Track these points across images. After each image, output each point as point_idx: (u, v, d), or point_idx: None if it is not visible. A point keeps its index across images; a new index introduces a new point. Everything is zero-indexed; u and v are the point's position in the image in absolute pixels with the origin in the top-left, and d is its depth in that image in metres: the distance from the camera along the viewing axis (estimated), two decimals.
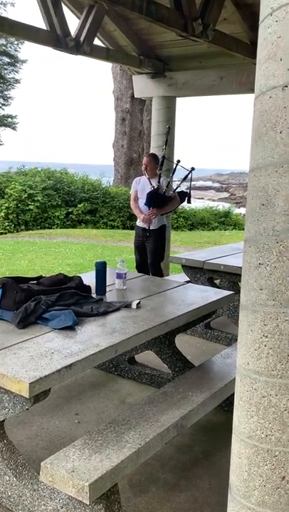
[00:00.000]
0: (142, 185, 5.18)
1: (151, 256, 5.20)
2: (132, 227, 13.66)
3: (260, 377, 1.20)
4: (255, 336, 1.20)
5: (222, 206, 17.66)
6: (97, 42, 5.32)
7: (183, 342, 4.20)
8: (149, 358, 3.66)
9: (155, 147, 6.04)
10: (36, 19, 4.80)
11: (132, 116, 15.85)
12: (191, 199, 5.36)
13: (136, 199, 5.23)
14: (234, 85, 5.65)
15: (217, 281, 4.94)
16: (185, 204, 5.52)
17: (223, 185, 48.63)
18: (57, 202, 13.78)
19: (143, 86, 6.20)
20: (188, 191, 5.31)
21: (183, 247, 10.36)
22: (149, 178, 5.09)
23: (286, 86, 1.12)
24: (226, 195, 40.24)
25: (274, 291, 1.17)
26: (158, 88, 6.08)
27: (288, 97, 1.12)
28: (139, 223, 5.24)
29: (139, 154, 16.26)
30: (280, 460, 1.20)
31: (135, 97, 6.64)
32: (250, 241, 1.23)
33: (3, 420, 2.17)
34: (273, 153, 1.15)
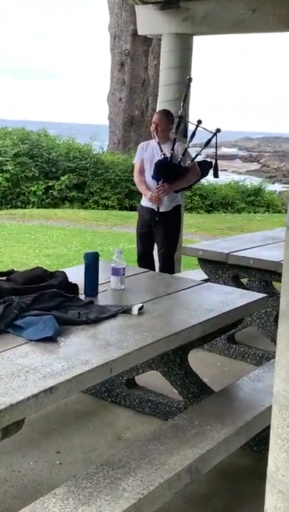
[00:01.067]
0: (149, 153, 5.15)
1: (162, 246, 5.21)
2: (131, 208, 13.66)
3: None
4: None
5: (251, 181, 17.62)
6: None
7: (199, 360, 4.18)
8: (154, 380, 3.65)
9: (164, 101, 5.99)
10: None
11: (134, 60, 15.80)
12: (219, 171, 5.33)
13: (141, 171, 5.21)
14: (270, 21, 5.60)
15: (244, 281, 4.93)
16: (208, 178, 5.50)
17: (253, 154, 48.59)
18: (33, 173, 13.80)
19: (149, 20, 6.16)
20: (212, 161, 5.30)
21: (199, 234, 10.35)
22: (159, 143, 5.06)
23: None
24: (256, 166, 40.26)
25: None
26: (169, 23, 6.02)
27: None
28: (145, 203, 5.21)
29: (142, 111, 16.24)
30: None
31: (138, 34, 6.59)
32: None
33: None
34: None
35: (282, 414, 1.25)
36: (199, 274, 4.93)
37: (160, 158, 5.02)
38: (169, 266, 5.25)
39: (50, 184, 13.91)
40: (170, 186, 5.03)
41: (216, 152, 5.29)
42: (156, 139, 5.09)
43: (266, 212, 14.76)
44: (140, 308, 2.91)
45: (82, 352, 2.40)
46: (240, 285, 4.72)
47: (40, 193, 13.70)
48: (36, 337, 2.47)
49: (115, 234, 10.12)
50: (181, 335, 2.78)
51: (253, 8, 5.71)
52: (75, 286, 3.11)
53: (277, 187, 21.58)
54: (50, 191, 13.89)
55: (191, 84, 5.56)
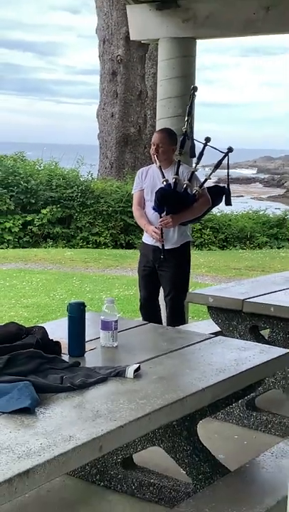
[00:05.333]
0: (150, 180, 5.28)
1: (170, 291, 5.31)
2: (128, 245, 13.73)
3: None
4: None
5: (273, 209, 17.76)
6: None
7: (211, 432, 4.17)
8: (156, 458, 3.64)
9: (164, 118, 6.10)
10: None
11: (128, 68, 16.09)
12: (231, 197, 5.47)
13: (141, 203, 5.34)
14: (288, 20, 5.74)
15: (266, 333, 4.94)
16: (222, 207, 5.57)
17: (275, 176, 48.97)
18: (8, 206, 13.92)
19: (143, 22, 6.30)
20: (224, 186, 5.44)
21: (211, 276, 10.39)
22: (160, 168, 5.17)
23: None
24: (279, 191, 40.52)
25: None
26: (167, 25, 6.16)
27: None
28: (147, 240, 5.33)
29: (139, 128, 16.46)
30: None
31: (131, 39, 6.74)
32: None
33: None
34: None
35: None
36: (210, 326, 4.94)
37: (163, 185, 5.11)
38: (179, 315, 5.35)
39: (28, 219, 14.03)
40: (175, 218, 5.12)
41: (227, 175, 5.40)
42: (157, 163, 5.19)
43: None
44: (136, 370, 2.92)
45: (66, 426, 2.40)
46: (260, 338, 4.74)
47: (17, 229, 13.81)
48: (10, 408, 2.48)
49: (109, 278, 10.16)
50: (187, 402, 2.78)
51: (267, 5, 5.85)
52: (57, 344, 3.13)
53: None
54: (29, 227, 14.01)
55: (196, 94, 5.69)
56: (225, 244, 14.82)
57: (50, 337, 3.15)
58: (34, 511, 3.41)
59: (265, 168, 57.50)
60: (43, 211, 14.05)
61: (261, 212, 16.55)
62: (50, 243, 13.93)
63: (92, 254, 12.30)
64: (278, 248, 14.66)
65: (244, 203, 22.10)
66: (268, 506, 2.68)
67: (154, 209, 5.14)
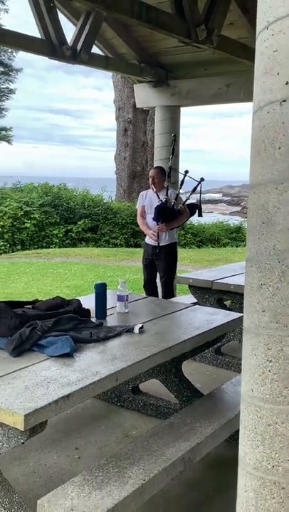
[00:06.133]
0: (149, 200, 5.33)
1: (164, 275, 5.36)
2: (136, 245, 13.73)
3: (265, 405, 1.23)
4: (259, 360, 1.24)
5: (233, 221, 17.72)
6: (95, 50, 5.45)
7: (191, 369, 4.21)
8: (154, 387, 3.67)
9: (159, 160, 6.13)
10: (31, 26, 4.93)
11: (135, 126, 16.07)
12: (202, 212, 5.56)
13: (143, 215, 5.37)
14: (242, 93, 5.75)
15: (228, 303, 4.96)
16: (195, 218, 5.68)
17: (235, 199, 48.83)
18: (55, 219, 13.93)
19: (145, 95, 6.32)
20: (198, 203, 5.50)
21: (191, 265, 10.40)
22: (156, 192, 5.21)
23: (284, 101, 1.18)
24: (237, 208, 40.40)
25: (277, 313, 1.21)
26: (160, 97, 6.19)
27: (286, 112, 1.18)
28: (147, 240, 5.37)
29: (142, 167, 16.44)
30: (288, 492, 1.23)
31: (137, 107, 6.77)
32: (251, 260, 1.28)
33: None
34: (272, 170, 1.20)
35: (247, 410, 1.29)
36: (190, 299, 4.96)
37: (158, 203, 5.17)
38: (171, 290, 5.43)
39: (69, 228, 14.05)
40: (167, 225, 5.20)
41: (200, 197, 5.48)
42: (154, 189, 5.24)
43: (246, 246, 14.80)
44: (141, 328, 2.95)
45: (93, 365, 2.43)
46: (224, 307, 4.75)
47: (61, 235, 13.83)
48: (56, 354, 2.51)
49: (123, 267, 10.19)
50: (174, 349, 2.80)
51: (228, 83, 5.87)
52: (88, 311, 3.16)
53: None
54: (69, 233, 14.02)
55: (179, 142, 5.77)
56: (201, 244, 14.81)
57: (83, 306, 3.18)
58: (73, 422, 3.44)
59: (228, 193, 57.23)
60: (79, 223, 14.07)
61: (225, 223, 16.50)
62: (84, 244, 13.96)
63: (112, 252, 12.33)
64: (236, 247, 14.64)
65: (214, 217, 22.04)
66: (229, 418, 2.71)
67: (153, 219, 5.22)
